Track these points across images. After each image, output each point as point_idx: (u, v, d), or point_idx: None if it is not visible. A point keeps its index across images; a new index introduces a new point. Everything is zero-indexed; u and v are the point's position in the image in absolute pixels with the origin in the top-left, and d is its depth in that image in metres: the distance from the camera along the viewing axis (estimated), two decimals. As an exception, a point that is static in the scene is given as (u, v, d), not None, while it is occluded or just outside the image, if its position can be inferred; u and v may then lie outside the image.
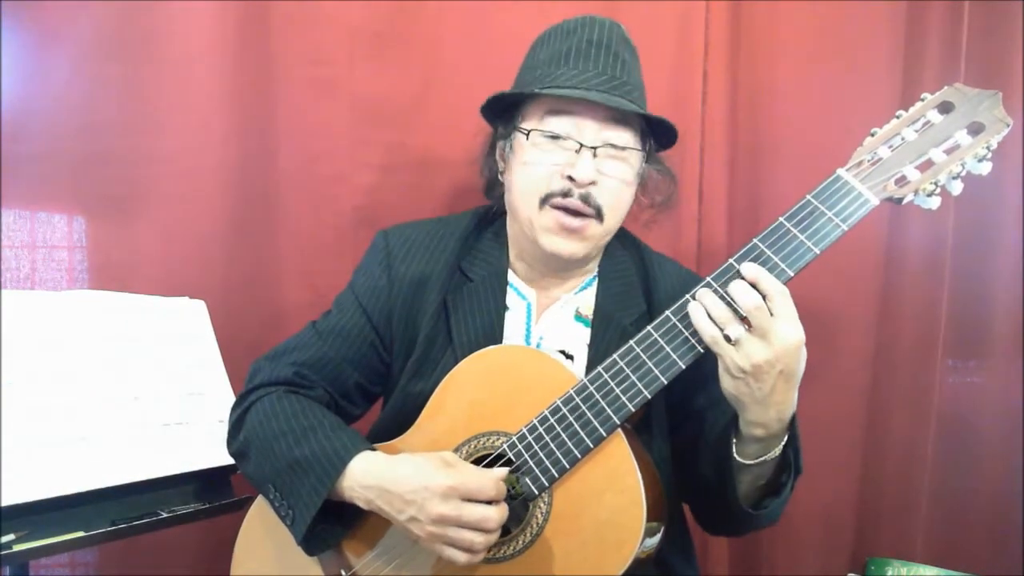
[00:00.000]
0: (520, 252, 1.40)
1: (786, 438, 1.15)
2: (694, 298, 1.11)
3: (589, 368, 1.31)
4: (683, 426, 1.35)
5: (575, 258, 1.31)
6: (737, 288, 1.06)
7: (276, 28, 1.76)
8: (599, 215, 1.28)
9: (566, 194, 1.26)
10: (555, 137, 1.26)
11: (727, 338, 1.06)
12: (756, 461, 1.15)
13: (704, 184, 1.88)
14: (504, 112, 1.36)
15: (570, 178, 1.25)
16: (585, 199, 1.26)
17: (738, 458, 1.15)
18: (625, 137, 1.28)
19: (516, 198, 1.32)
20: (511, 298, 1.39)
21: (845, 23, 1.87)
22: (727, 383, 1.09)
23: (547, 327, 1.38)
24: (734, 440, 1.16)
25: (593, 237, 1.30)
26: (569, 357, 1.35)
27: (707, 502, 1.32)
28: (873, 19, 1.87)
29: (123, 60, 1.69)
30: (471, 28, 1.81)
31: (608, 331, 1.34)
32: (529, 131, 1.27)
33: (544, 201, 1.27)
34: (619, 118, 1.28)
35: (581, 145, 1.25)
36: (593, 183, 1.25)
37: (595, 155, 1.25)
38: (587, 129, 1.26)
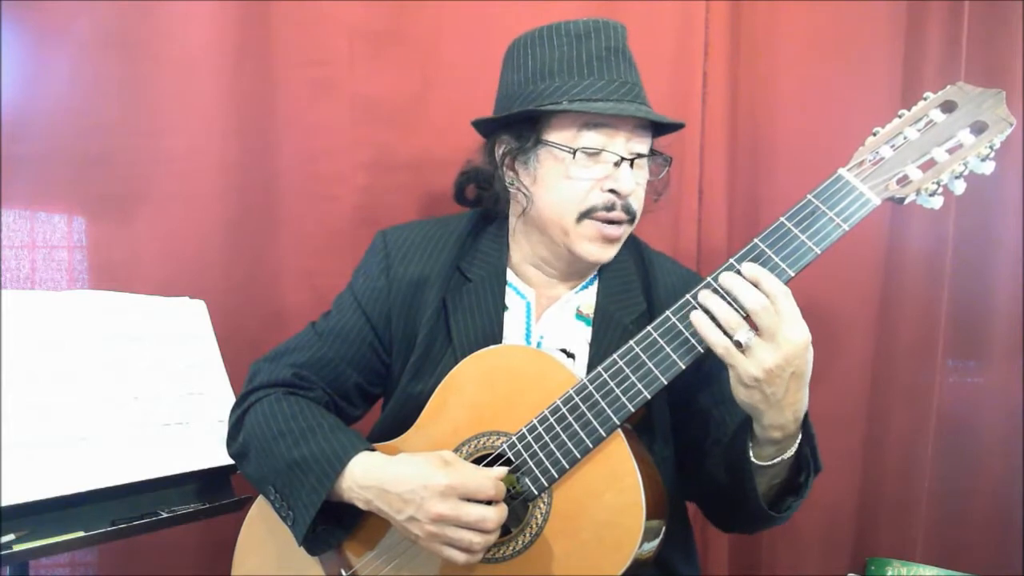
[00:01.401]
0: (531, 255, 1.39)
1: (800, 437, 1.15)
2: (695, 299, 1.10)
3: (590, 367, 1.32)
4: (687, 425, 1.35)
5: (608, 261, 1.35)
6: (740, 289, 1.06)
7: (276, 28, 1.76)
8: (632, 220, 1.32)
9: (610, 207, 1.28)
10: (596, 152, 1.27)
11: (737, 344, 1.05)
12: (773, 462, 1.14)
13: (704, 184, 1.88)
14: (513, 122, 1.33)
15: (612, 191, 1.27)
16: (626, 209, 1.29)
17: (755, 460, 1.14)
18: (647, 144, 1.31)
19: (550, 211, 1.31)
20: (510, 298, 1.39)
21: (845, 23, 1.87)
22: (741, 393, 1.08)
23: (547, 326, 1.38)
24: (750, 443, 1.15)
25: (624, 240, 1.34)
26: (570, 356, 1.35)
27: (719, 502, 1.31)
28: (873, 19, 1.87)
29: (123, 60, 1.69)
30: (471, 28, 1.81)
31: (609, 329, 1.34)
32: (576, 150, 1.27)
33: (585, 215, 1.29)
34: (643, 125, 1.30)
35: (622, 159, 1.27)
36: (631, 193, 1.28)
37: (632, 166, 1.28)
38: (619, 139, 1.28)
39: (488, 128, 1.39)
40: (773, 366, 1.04)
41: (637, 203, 1.31)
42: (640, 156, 1.30)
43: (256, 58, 1.75)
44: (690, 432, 1.35)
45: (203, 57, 1.71)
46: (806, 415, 1.13)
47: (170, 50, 1.70)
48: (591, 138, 1.27)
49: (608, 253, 1.32)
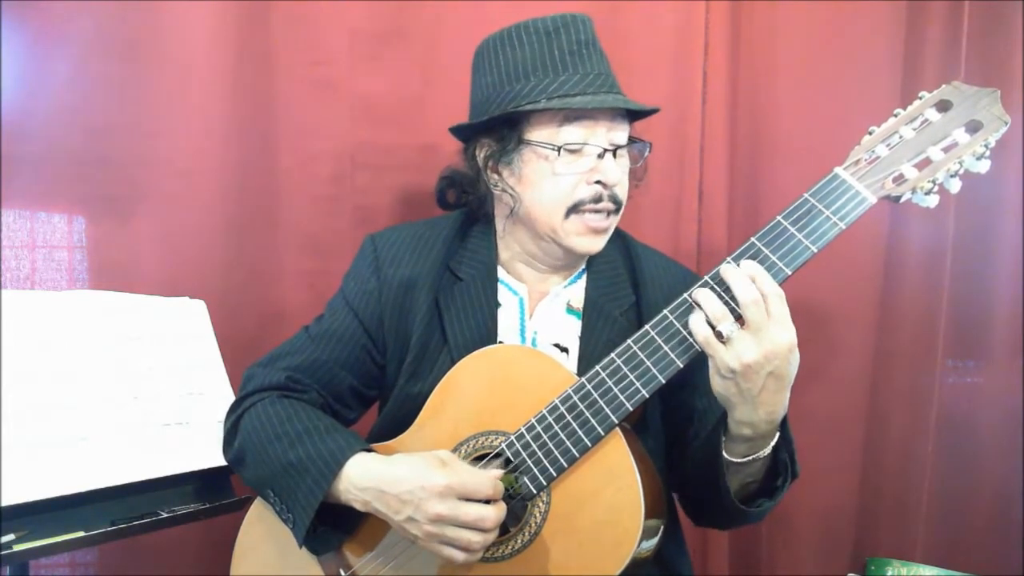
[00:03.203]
0: (520, 253, 1.39)
1: (777, 439, 1.15)
2: (692, 297, 1.10)
3: (581, 360, 1.33)
4: (673, 418, 1.35)
5: (598, 252, 1.36)
6: (737, 281, 1.06)
7: (276, 28, 1.76)
8: (619, 210, 1.33)
9: (598, 199, 1.29)
10: (579, 147, 1.28)
11: (719, 335, 1.06)
12: (744, 460, 1.15)
13: (704, 184, 1.88)
14: (493, 125, 1.33)
15: (599, 183, 1.28)
16: (613, 199, 1.30)
17: (727, 456, 1.15)
18: (626, 132, 1.32)
19: (538, 209, 1.31)
20: (503, 294, 1.39)
21: (845, 23, 1.87)
22: (716, 383, 1.10)
23: (540, 321, 1.38)
24: (723, 438, 1.16)
25: (611, 230, 1.35)
26: (564, 350, 1.36)
27: (696, 494, 1.32)
28: (873, 19, 1.87)
29: (123, 60, 1.69)
30: (471, 28, 1.80)
31: (599, 322, 1.35)
32: (560, 147, 1.27)
33: (572, 209, 1.29)
34: (621, 114, 1.30)
35: (605, 150, 1.27)
36: (618, 183, 1.29)
37: (615, 156, 1.28)
38: (600, 131, 1.28)
39: (467, 133, 1.39)
40: (751, 361, 1.05)
41: (623, 192, 1.32)
42: (621, 146, 1.30)
43: (256, 58, 1.75)
44: (675, 425, 1.35)
45: (203, 57, 1.71)
46: (785, 420, 1.14)
47: (170, 50, 1.70)
48: (572, 132, 1.27)
49: (598, 244, 1.33)
